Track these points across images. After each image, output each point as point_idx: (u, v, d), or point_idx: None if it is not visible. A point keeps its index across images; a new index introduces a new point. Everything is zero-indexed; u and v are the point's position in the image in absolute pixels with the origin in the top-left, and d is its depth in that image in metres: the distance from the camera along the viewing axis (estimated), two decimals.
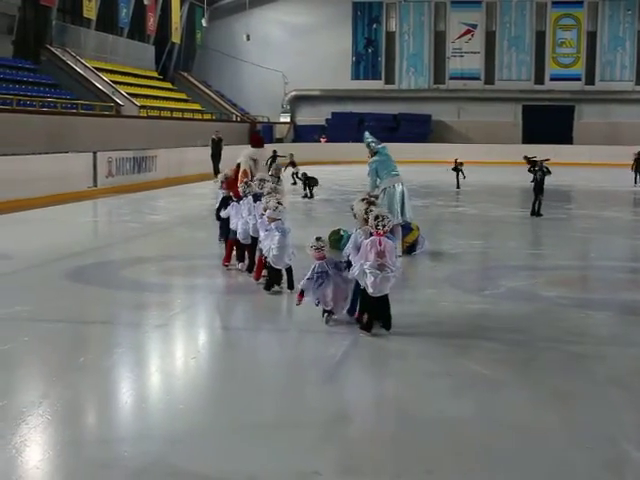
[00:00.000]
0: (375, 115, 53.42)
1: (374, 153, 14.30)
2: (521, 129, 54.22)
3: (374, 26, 55.55)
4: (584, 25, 54.28)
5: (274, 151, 30.63)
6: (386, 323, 8.56)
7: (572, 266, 13.63)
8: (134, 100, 39.20)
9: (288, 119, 55.90)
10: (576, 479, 5.40)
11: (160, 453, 5.64)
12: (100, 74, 39.11)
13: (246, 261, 11.94)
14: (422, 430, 6.09)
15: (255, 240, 11.46)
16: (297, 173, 29.14)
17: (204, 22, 51.84)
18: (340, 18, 54.77)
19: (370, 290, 8.38)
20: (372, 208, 8.78)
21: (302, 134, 53.58)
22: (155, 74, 48.95)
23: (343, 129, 52.41)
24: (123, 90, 39.41)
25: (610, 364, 7.87)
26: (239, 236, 11.78)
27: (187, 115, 45.09)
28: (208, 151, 32.75)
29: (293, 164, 29.61)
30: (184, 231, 17.94)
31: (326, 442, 5.90)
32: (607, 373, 7.53)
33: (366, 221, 8.67)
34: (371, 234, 8.52)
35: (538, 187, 19.63)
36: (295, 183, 28.34)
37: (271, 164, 22.06)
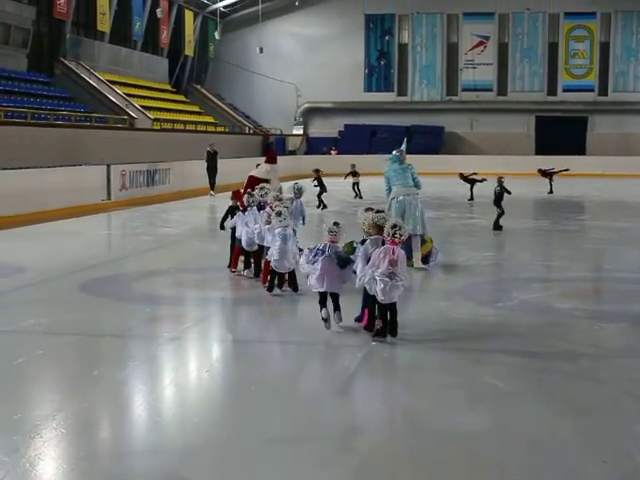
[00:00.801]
0: (388, 127, 53.42)
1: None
2: (534, 140, 54.12)
3: (387, 38, 55.63)
4: (597, 36, 54.23)
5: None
6: (393, 329, 8.68)
7: (585, 278, 13.59)
8: (147, 113, 39.36)
9: (301, 131, 55.98)
10: None
11: (174, 466, 5.63)
12: (114, 87, 39.31)
13: (252, 267, 12.49)
14: (437, 443, 6.07)
15: (261, 247, 11.92)
16: (357, 184, 29.23)
17: (217, 35, 52.09)
18: (352, 30, 54.86)
19: (380, 297, 8.51)
20: (384, 216, 8.93)
21: (315, 146, 53.64)
22: (168, 87, 49.16)
23: (356, 141, 52.50)
24: (136, 103, 39.58)
25: (625, 376, 7.82)
26: (243, 244, 12.31)
27: (200, 128, 45.23)
28: (219, 163, 32.70)
29: (354, 174, 29.67)
30: (197, 243, 17.98)
31: (341, 455, 5.88)
32: (622, 385, 7.49)
33: (378, 228, 8.79)
34: (383, 242, 8.65)
35: (497, 202, 19.63)
36: (357, 195, 28.69)
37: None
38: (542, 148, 51.67)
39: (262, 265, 11.92)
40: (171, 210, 25.57)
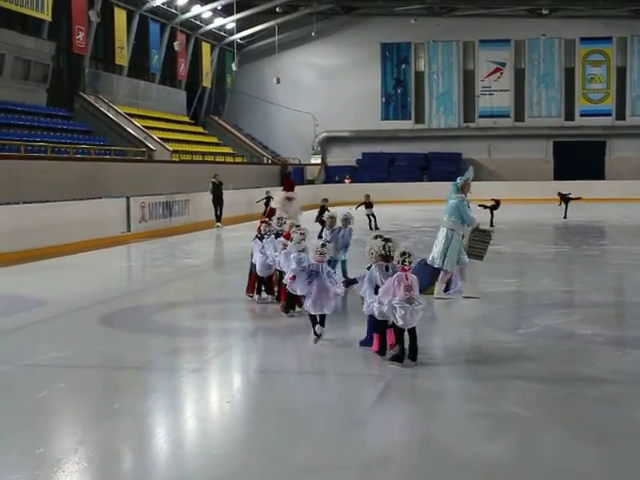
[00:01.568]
0: (406, 155, 53.62)
1: None
2: (552, 166, 54.09)
3: (403, 66, 55.86)
4: (613, 60, 54.27)
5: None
6: (413, 354, 8.81)
7: (607, 303, 13.51)
8: (166, 145, 39.62)
9: (319, 160, 56.16)
10: None
11: None
12: (132, 120, 39.63)
13: (262, 293, 13.20)
14: (460, 472, 6.03)
15: (282, 273, 12.14)
16: (372, 215, 28.17)
17: (234, 66, 52.48)
18: (369, 59, 55.16)
19: (400, 323, 8.69)
20: (390, 245, 9.16)
21: (333, 175, 53.80)
22: (187, 119, 49.51)
23: (374, 169, 52.73)
24: (155, 135, 39.87)
25: None
26: (257, 270, 12.84)
27: (219, 159, 45.46)
28: (233, 194, 32.83)
29: (368, 205, 28.66)
30: (217, 274, 18.02)
31: None
32: None
33: (385, 257, 9.10)
34: (387, 268, 9.07)
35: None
36: (373, 227, 27.53)
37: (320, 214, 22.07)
38: (560, 173, 51.62)
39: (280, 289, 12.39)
40: (190, 241, 25.66)
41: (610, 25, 53.04)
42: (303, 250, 11.01)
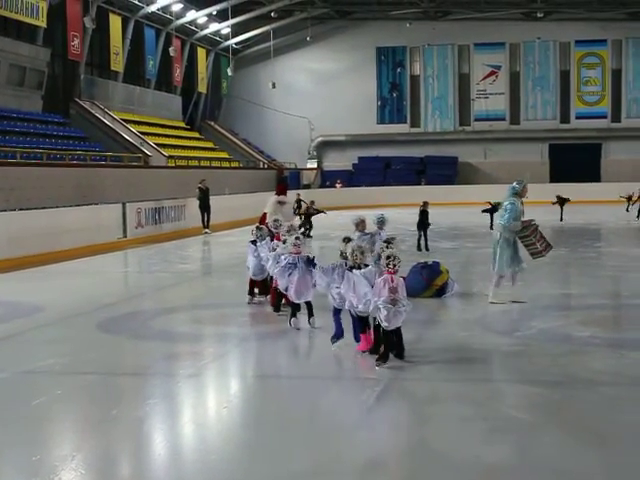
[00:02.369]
0: (402, 158, 53.64)
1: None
2: (548, 168, 54.10)
3: (398, 70, 55.89)
4: (608, 63, 54.33)
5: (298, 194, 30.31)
6: (400, 353, 9.17)
7: (604, 305, 13.51)
8: (162, 150, 39.60)
9: (315, 165, 56.15)
10: None
11: None
12: (128, 126, 39.60)
13: (257, 296, 13.56)
14: (458, 476, 6.02)
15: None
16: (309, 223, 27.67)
17: (230, 71, 52.43)
18: (364, 63, 55.19)
19: (384, 324, 8.98)
20: (384, 248, 9.60)
21: (329, 179, 53.78)
22: (182, 124, 49.49)
23: (370, 173, 52.77)
24: (151, 141, 39.84)
25: None
26: (250, 273, 13.24)
27: (215, 164, 45.44)
28: (233, 199, 32.80)
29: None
30: (213, 280, 18.01)
31: None
32: None
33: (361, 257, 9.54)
34: (359, 267, 9.46)
35: (422, 225, 21.24)
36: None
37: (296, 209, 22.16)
38: (557, 176, 51.66)
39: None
40: (186, 246, 25.65)
41: (605, 28, 53.09)
42: (299, 254, 11.19)
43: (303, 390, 8.72)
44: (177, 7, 44.95)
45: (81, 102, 38.65)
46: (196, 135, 50.50)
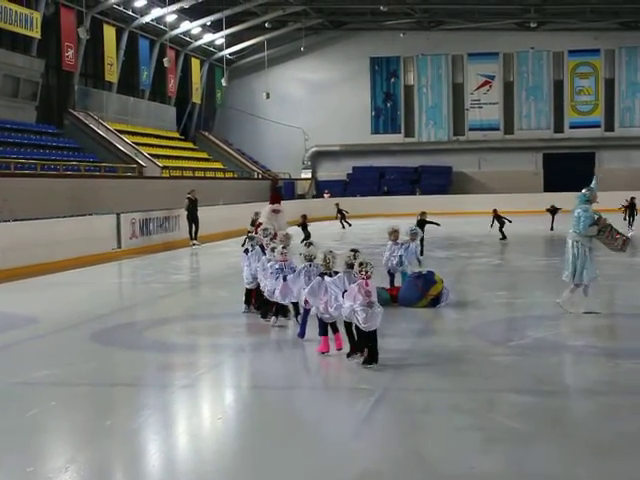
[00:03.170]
0: (396, 168, 53.73)
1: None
2: (542, 178, 54.23)
3: (392, 80, 56.01)
4: (601, 72, 54.51)
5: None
6: (374, 356, 9.45)
7: (599, 314, 13.48)
8: (156, 161, 39.60)
9: (309, 175, 56.19)
10: None
11: None
12: (122, 136, 39.61)
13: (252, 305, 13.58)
14: None
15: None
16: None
17: (224, 82, 52.48)
18: (358, 73, 55.30)
19: (362, 325, 9.33)
20: (351, 257, 9.96)
21: (324, 189, 53.80)
22: (176, 134, 49.52)
23: (365, 183, 52.84)
24: (145, 151, 39.85)
25: None
26: (245, 283, 13.42)
27: (209, 174, 45.44)
28: (228, 209, 32.67)
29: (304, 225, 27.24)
30: (208, 290, 17.98)
31: None
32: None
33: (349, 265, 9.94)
34: (330, 275, 10.06)
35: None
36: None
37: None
38: (551, 185, 51.74)
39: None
40: (181, 257, 25.62)
41: (598, 37, 53.31)
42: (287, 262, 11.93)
43: (297, 401, 8.71)
44: (171, 18, 45.01)
45: (75, 113, 38.67)
46: (190, 145, 50.53)
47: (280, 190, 45.54)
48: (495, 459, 6.52)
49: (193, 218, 29.39)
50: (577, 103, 54.94)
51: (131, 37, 43.81)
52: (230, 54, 54.02)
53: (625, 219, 33.50)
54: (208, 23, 48.51)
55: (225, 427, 7.72)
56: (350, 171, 55.15)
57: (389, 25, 53.03)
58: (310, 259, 10.99)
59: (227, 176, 48.31)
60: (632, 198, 34.52)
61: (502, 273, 19.99)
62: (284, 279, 11.64)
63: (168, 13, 43.92)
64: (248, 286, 13.36)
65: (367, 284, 9.39)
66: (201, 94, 52.92)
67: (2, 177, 25.45)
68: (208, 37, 50.40)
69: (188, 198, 29.59)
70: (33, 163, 29.38)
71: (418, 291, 13.81)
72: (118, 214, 26.25)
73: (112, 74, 41.96)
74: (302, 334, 11.09)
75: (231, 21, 49.04)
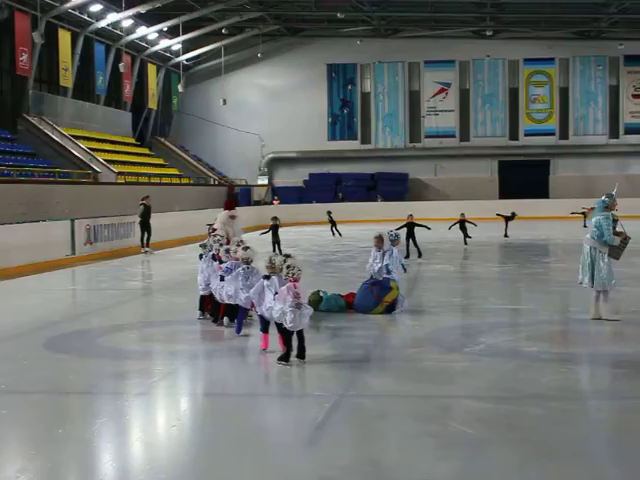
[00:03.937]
0: (353, 175, 53.87)
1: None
2: (497, 184, 54.74)
3: (349, 87, 56.17)
4: (556, 81, 55.14)
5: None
6: (301, 353, 9.97)
7: (552, 321, 13.62)
8: (111, 167, 39.34)
9: (266, 181, 56.14)
10: None
11: None
12: (77, 142, 39.28)
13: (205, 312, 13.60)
14: None
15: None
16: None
17: (180, 88, 52.23)
18: (315, 80, 55.40)
19: (289, 325, 9.82)
20: (287, 259, 10.29)
21: (280, 196, 53.76)
22: (132, 140, 49.24)
23: (321, 190, 52.82)
24: (100, 157, 39.56)
25: (593, 418, 7.85)
26: (199, 289, 13.41)
27: (165, 180, 45.25)
28: (184, 215, 32.51)
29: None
30: (163, 297, 17.87)
31: None
32: (591, 428, 7.51)
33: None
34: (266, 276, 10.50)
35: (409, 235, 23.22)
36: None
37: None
38: (506, 192, 52.26)
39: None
40: (136, 264, 25.45)
41: (552, 46, 53.92)
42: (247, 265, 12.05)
43: (253, 408, 8.68)
44: (127, 23, 44.77)
45: (29, 118, 38.29)
46: (146, 151, 50.26)
47: (236, 196, 45.47)
48: (450, 465, 6.55)
49: (146, 225, 28.66)
50: (532, 111, 55.50)
51: (87, 42, 43.50)
52: (187, 60, 53.89)
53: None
54: (165, 29, 48.32)
55: (180, 435, 7.67)
56: (306, 177, 55.19)
57: (346, 32, 53.20)
58: (247, 262, 11.83)
59: (183, 182, 48.13)
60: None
61: (457, 280, 20.11)
62: (221, 279, 12.23)
63: (124, 18, 43.67)
64: (202, 292, 13.37)
65: (295, 286, 9.92)
66: (157, 100, 52.70)
67: None
68: (165, 43, 50.22)
69: (143, 204, 28.85)
70: None
71: (374, 298, 13.84)
72: (72, 220, 26.02)
73: (67, 79, 41.63)
74: (238, 330, 11.91)
75: (188, 27, 48.91)
